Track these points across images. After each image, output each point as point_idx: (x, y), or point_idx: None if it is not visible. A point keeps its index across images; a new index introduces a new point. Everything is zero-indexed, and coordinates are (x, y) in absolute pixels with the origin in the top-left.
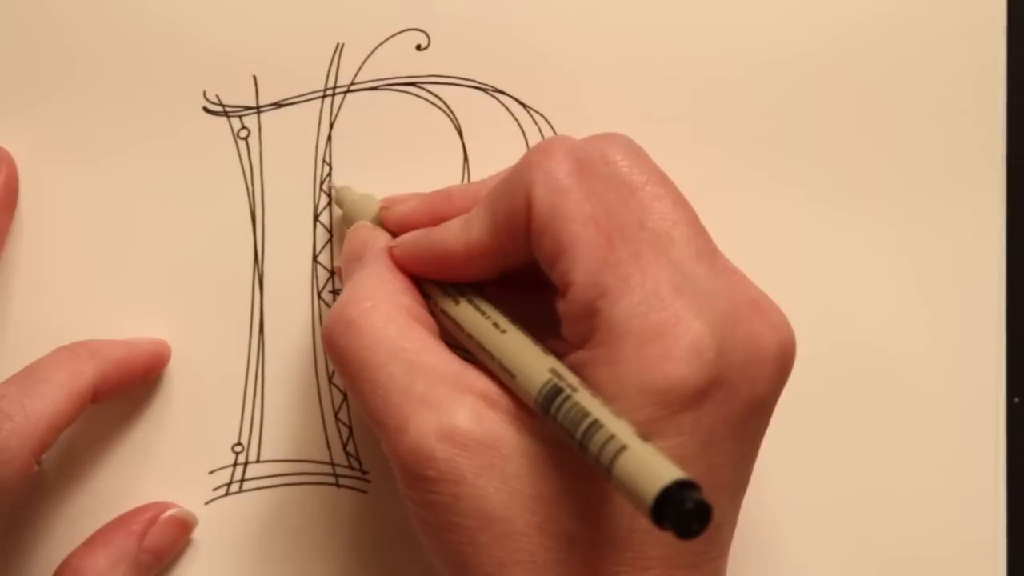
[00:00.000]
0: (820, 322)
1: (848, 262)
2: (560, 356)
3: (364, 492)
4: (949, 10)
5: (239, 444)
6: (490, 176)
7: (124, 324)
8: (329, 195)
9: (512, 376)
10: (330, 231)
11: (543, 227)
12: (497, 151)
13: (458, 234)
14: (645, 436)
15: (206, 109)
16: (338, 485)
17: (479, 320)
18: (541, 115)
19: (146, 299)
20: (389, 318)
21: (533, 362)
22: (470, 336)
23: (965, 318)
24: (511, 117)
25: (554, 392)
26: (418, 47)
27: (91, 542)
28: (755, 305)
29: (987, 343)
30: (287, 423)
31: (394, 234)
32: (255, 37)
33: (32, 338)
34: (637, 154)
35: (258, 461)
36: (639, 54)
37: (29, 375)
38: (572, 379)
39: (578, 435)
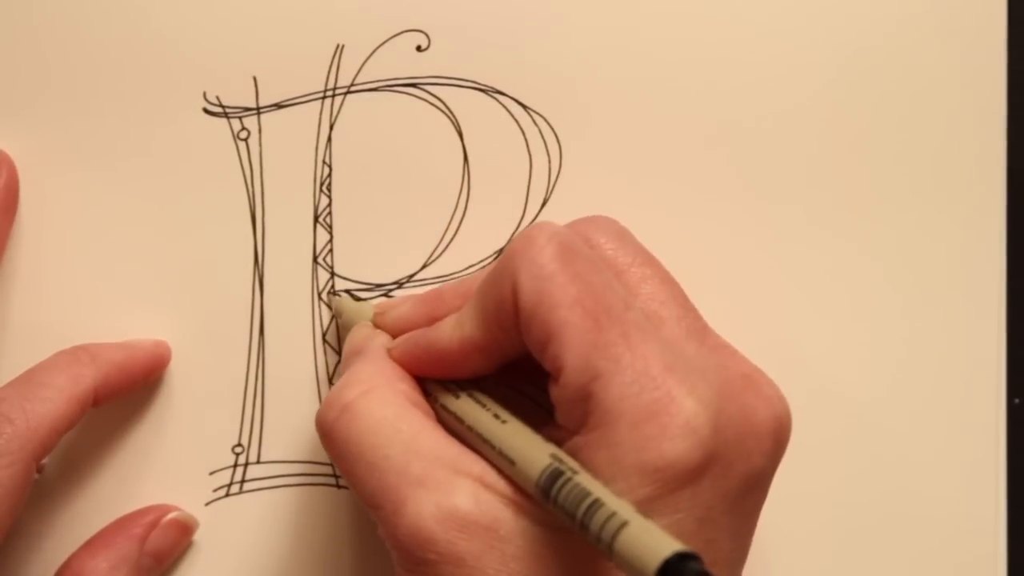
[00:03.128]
0: (818, 322)
1: (847, 261)
2: (557, 444)
3: None
4: (949, 12)
5: (239, 445)
6: (479, 271)
7: (124, 326)
8: (329, 302)
9: (512, 463)
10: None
11: (531, 314)
12: (497, 152)
13: (451, 332)
14: (646, 514)
15: (206, 110)
16: (338, 486)
17: (479, 412)
18: (541, 116)
19: (146, 300)
20: (385, 401)
21: (534, 448)
22: (470, 428)
23: (965, 319)
24: (511, 118)
25: (555, 475)
26: (418, 48)
27: (91, 544)
28: (748, 380)
29: (987, 344)
30: (287, 424)
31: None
32: (255, 38)
33: (33, 341)
34: (621, 235)
35: (258, 462)
36: (638, 55)
37: (30, 379)
38: (572, 463)
39: (579, 515)
